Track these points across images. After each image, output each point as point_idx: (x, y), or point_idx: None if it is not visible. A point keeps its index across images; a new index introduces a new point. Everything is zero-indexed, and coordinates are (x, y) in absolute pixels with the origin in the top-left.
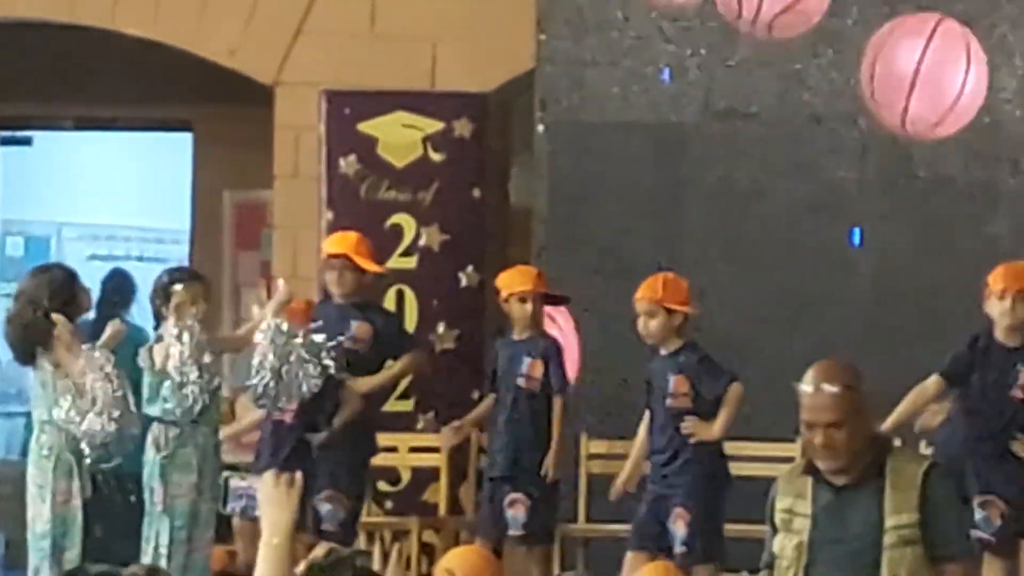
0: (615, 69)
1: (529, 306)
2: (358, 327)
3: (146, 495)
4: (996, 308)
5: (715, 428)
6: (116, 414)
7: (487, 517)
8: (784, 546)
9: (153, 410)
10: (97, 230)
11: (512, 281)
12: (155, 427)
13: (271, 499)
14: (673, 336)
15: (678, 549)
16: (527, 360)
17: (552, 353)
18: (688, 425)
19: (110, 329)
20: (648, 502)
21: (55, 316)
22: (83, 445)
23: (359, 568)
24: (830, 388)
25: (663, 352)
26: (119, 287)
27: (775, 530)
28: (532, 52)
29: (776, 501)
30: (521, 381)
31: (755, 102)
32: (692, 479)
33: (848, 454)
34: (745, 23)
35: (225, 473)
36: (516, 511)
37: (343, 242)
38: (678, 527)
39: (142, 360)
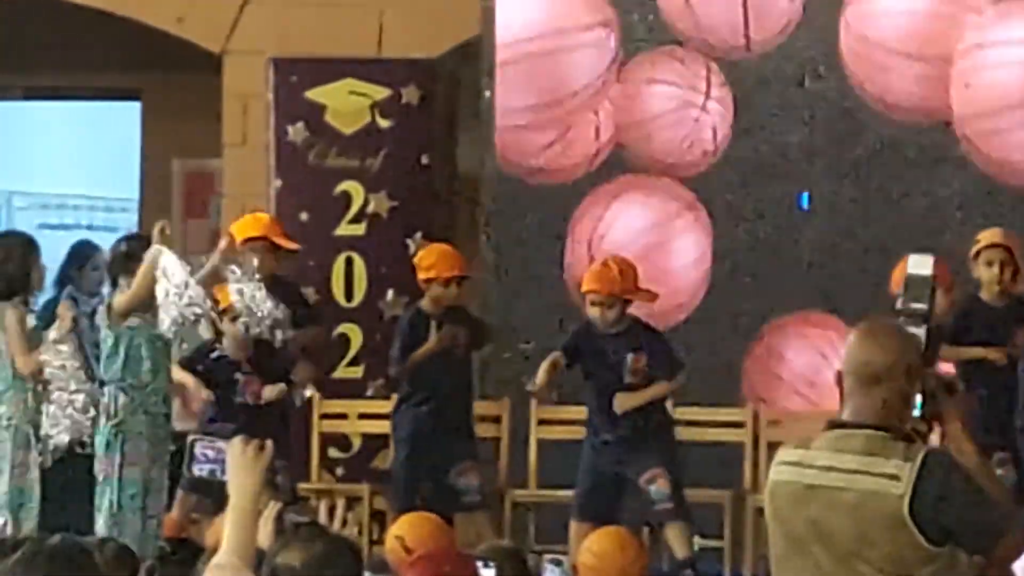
0: None
1: (454, 291)
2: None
3: (97, 463)
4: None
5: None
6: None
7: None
8: None
9: (105, 375)
10: (47, 199)
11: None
12: (106, 393)
13: (239, 464)
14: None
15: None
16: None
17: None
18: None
19: (59, 317)
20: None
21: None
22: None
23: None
24: None
25: (613, 331)
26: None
27: None
28: (478, 18)
29: None
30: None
31: None
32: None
33: None
34: None
35: (191, 436)
36: (469, 479)
37: (257, 224)
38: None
39: (100, 320)
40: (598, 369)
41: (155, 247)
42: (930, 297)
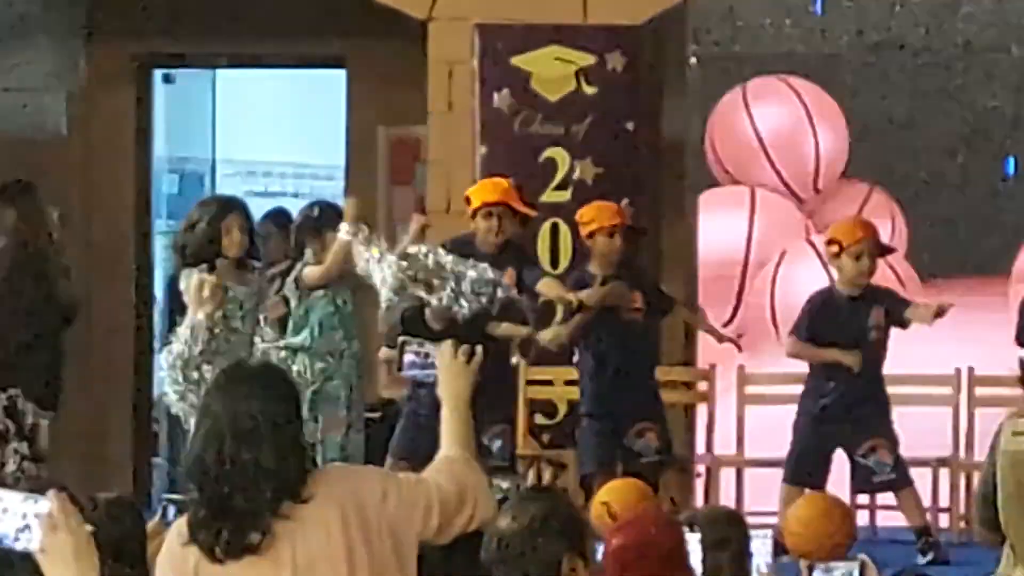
0: (767, 1)
1: (617, 240)
2: (507, 274)
3: None
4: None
5: None
6: None
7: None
8: None
9: (298, 341)
10: (253, 167)
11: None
12: (299, 361)
13: (451, 370)
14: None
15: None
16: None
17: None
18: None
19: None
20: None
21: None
22: None
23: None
24: None
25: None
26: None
27: None
28: None
29: None
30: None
31: (907, 32)
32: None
33: None
34: None
35: (401, 338)
36: (648, 439)
37: (496, 189)
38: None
39: (288, 291)
40: (835, 332)
41: (344, 236)
42: None
